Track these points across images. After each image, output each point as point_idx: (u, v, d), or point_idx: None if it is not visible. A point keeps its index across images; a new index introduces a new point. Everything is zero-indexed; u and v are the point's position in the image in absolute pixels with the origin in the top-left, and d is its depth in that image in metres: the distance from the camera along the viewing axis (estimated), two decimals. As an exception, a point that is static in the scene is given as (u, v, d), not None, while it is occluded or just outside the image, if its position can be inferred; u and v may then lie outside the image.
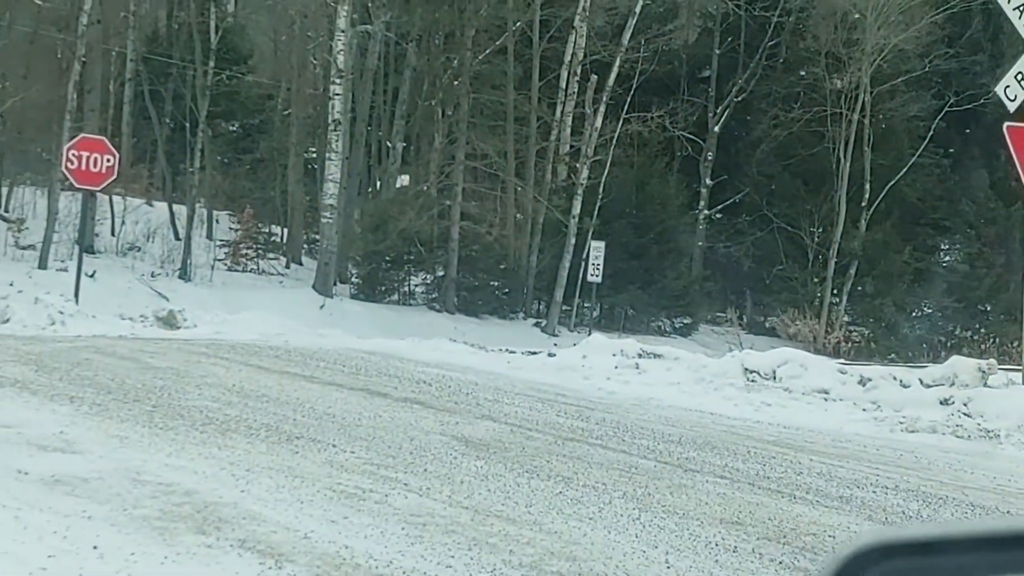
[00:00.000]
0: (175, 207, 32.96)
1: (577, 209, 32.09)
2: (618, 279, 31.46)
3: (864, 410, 13.78)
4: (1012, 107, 13.83)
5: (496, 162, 33.01)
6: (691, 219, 36.30)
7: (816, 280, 33.86)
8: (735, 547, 6.74)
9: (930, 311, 36.53)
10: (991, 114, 29.55)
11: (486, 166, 33.42)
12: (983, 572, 1.39)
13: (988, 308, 34.99)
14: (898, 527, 5.96)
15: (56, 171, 25.51)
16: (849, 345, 30.31)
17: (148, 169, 36.35)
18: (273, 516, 6.51)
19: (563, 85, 33.69)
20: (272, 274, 31.37)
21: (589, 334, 24.65)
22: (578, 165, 33.05)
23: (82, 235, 23.32)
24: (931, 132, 35.19)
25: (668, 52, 36.54)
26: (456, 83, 32.20)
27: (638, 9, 32.97)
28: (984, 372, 14.19)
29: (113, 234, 30.82)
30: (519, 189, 33.36)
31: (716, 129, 36.65)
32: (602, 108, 32.90)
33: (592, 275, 29.71)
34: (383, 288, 30.95)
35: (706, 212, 36.87)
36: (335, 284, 29.50)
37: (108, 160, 20.26)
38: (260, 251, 31.88)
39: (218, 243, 31.95)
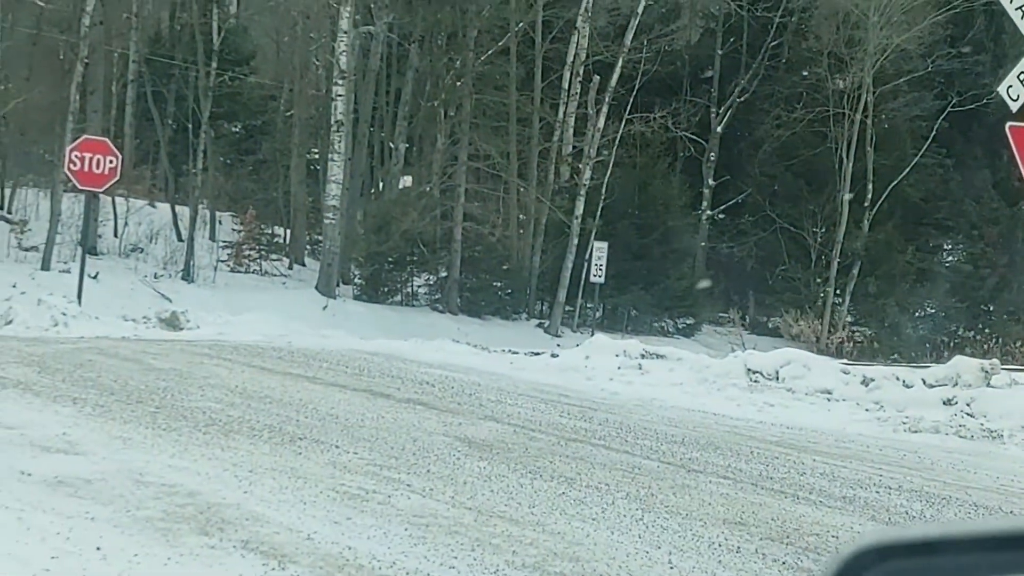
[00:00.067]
0: (178, 208, 32.96)
1: (580, 210, 32.09)
2: (621, 280, 31.45)
3: (867, 410, 13.78)
4: (1015, 107, 13.81)
5: (499, 163, 33.01)
6: (694, 219, 36.29)
7: (819, 280, 33.86)
8: (738, 547, 6.74)
9: (933, 311, 36.52)
10: (994, 114, 29.51)
11: (489, 167, 33.42)
12: (985, 573, 1.39)
13: (991, 308, 34.99)
14: (901, 527, 5.96)
15: (59, 172, 25.51)
16: (852, 345, 30.33)
17: (151, 170, 36.37)
18: (276, 517, 6.52)
19: (565, 86, 33.68)
20: (275, 275, 31.36)
21: (592, 335, 24.65)
22: (581, 166, 33.05)
23: (85, 236, 23.33)
24: (934, 132, 35.19)
25: (670, 53, 36.53)
26: (458, 84, 32.20)
27: (640, 10, 32.97)
28: (987, 372, 14.18)
29: (116, 235, 30.82)
30: (522, 190, 33.37)
31: (719, 129, 36.64)
32: (604, 108, 32.90)
33: (595, 276, 29.70)
34: (386, 289, 30.94)
35: (709, 212, 36.87)
36: (338, 285, 29.50)
37: (111, 161, 20.27)
38: (263, 252, 31.87)
39: (221, 244, 31.96)
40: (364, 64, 32.47)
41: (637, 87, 32.94)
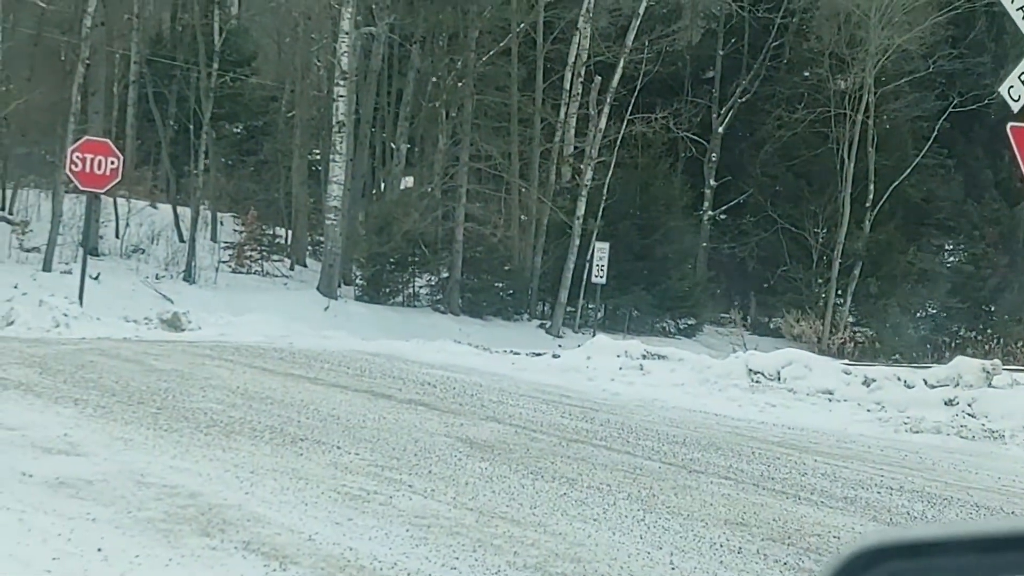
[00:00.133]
0: (179, 209, 32.97)
1: (581, 210, 32.10)
2: (622, 280, 31.45)
3: (868, 411, 13.78)
4: (1016, 107, 13.80)
5: (500, 163, 33.00)
6: (695, 220, 36.30)
7: (820, 281, 33.86)
8: (740, 548, 6.74)
9: (934, 311, 36.52)
10: (995, 114, 29.56)
11: (490, 167, 33.41)
12: (986, 574, 1.39)
13: (992, 308, 34.98)
14: (902, 528, 5.95)
15: (60, 173, 25.52)
16: (853, 346, 30.32)
17: (152, 171, 36.35)
18: (277, 518, 6.52)
19: (567, 86, 33.67)
20: (276, 276, 31.36)
21: (593, 335, 24.66)
22: (582, 166, 33.06)
23: (86, 237, 23.34)
24: (935, 133, 35.19)
25: (672, 53, 36.53)
26: (460, 84, 32.21)
27: (642, 10, 32.96)
28: (988, 372, 14.18)
29: (117, 236, 30.82)
30: (523, 190, 33.37)
31: (720, 130, 36.64)
32: (606, 109, 32.91)
33: (596, 276, 29.69)
34: (387, 290, 30.94)
35: (710, 213, 36.87)
36: (339, 286, 29.51)
37: (112, 162, 20.27)
38: (264, 253, 31.87)
39: (222, 245, 31.96)
40: (365, 65, 32.47)
41: (638, 88, 32.94)
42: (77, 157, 20.23)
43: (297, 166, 33.44)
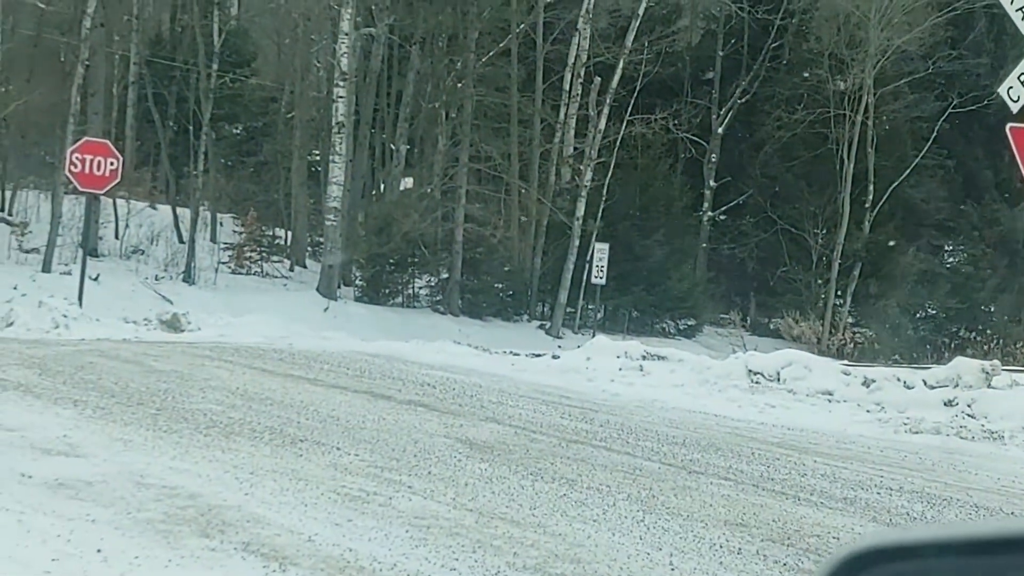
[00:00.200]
0: (179, 210, 32.95)
1: (581, 211, 32.10)
2: (622, 281, 31.46)
3: (868, 411, 13.77)
4: (1015, 108, 13.80)
5: (500, 164, 32.99)
6: (695, 221, 36.31)
7: (820, 282, 33.85)
8: (739, 549, 6.74)
9: (934, 312, 36.49)
10: (994, 115, 29.50)
11: (490, 168, 33.41)
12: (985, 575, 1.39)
13: (992, 309, 34.99)
14: (901, 529, 5.96)
15: (60, 174, 25.52)
16: (853, 346, 30.32)
17: (152, 172, 36.35)
18: (277, 519, 6.52)
19: (567, 87, 33.67)
20: (276, 277, 31.35)
21: (593, 336, 24.66)
22: (582, 167, 33.05)
23: (86, 238, 23.33)
24: (934, 133, 35.19)
25: (671, 54, 36.53)
26: (460, 85, 32.21)
27: (641, 11, 32.96)
28: (988, 373, 14.18)
29: (117, 237, 30.81)
30: (523, 191, 33.36)
31: (720, 131, 36.64)
32: (605, 110, 32.91)
33: (596, 277, 29.70)
34: (387, 291, 30.94)
35: (710, 214, 36.87)
36: (339, 287, 29.51)
37: (112, 163, 20.27)
38: (264, 254, 31.85)
39: (222, 246, 31.93)
40: (365, 66, 32.47)
41: (638, 88, 32.93)
42: (76, 158, 20.23)
43: (297, 167, 33.43)
